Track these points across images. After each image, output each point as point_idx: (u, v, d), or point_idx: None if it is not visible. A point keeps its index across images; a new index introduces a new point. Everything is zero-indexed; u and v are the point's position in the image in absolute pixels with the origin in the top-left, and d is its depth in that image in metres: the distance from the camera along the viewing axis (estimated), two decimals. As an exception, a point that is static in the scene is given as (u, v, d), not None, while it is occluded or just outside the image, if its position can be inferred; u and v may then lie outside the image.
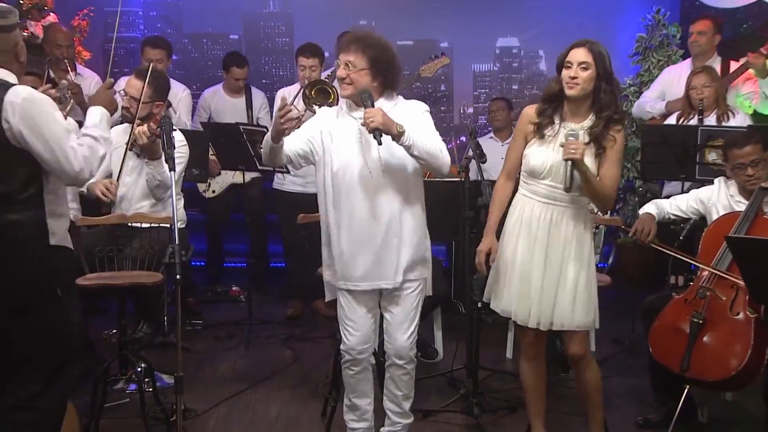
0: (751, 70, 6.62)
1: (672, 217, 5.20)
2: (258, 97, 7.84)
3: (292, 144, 4.34)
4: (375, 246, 4.29)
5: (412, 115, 4.26)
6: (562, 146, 4.11)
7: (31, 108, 3.59)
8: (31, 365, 3.78)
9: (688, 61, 7.14)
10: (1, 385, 3.83)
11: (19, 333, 3.73)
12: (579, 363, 4.41)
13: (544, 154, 4.23)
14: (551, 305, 4.26)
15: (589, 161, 4.14)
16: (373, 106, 4.10)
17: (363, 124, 4.06)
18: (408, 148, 4.12)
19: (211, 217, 7.67)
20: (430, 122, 4.33)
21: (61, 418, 3.93)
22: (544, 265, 4.25)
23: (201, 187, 7.37)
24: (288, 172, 6.39)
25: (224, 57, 7.85)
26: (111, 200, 5.52)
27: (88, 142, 3.82)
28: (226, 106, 7.70)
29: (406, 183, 4.31)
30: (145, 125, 5.39)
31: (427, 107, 4.40)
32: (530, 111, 4.35)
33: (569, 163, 4.06)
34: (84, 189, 5.58)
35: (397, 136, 4.06)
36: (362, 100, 4.14)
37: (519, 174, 4.43)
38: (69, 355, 3.95)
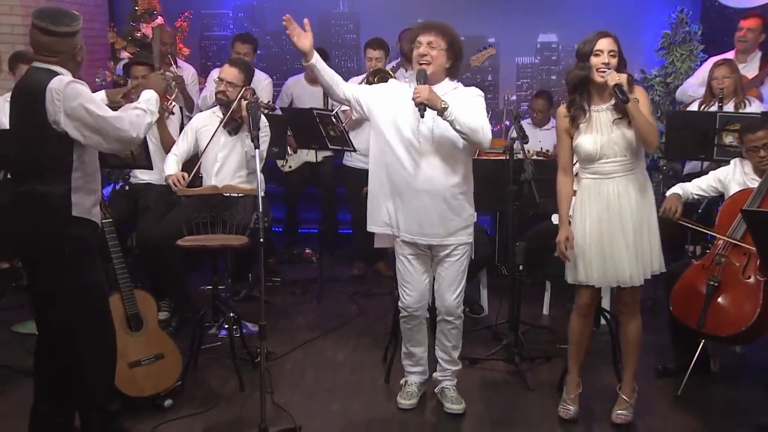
0: None
1: (695, 196, 5.15)
2: None
3: (352, 89, 4.39)
4: (424, 207, 4.29)
5: (468, 97, 4.25)
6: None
7: (73, 92, 3.65)
8: (52, 320, 3.85)
9: (731, 53, 6.93)
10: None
11: (45, 296, 3.82)
12: (628, 314, 4.38)
13: (592, 140, 4.19)
14: (641, 259, 4.22)
15: (628, 132, 4.12)
16: (423, 83, 4.09)
17: (412, 98, 4.06)
18: (451, 123, 4.10)
19: (289, 189, 7.71)
20: (481, 104, 4.30)
21: (103, 383, 4.01)
22: (622, 229, 4.20)
23: (279, 163, 7.42)
24: (355, 150, 6.42)
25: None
26: (178, 191, 5.52)
27: (136, 112, 3.94)
28: (305, 93, 7.67)
29: (454, 156, 4.27)
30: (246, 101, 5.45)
31: (481, 93, 4.37)
32: (563, 110, 4.31)
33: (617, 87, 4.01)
34: (164, 175, 5.68)
35: (440, 111, 4.05)
36: (417, 78, 4.13)
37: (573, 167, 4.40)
38: (89, 317, 3.92)
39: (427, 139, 4.22)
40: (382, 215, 4.45)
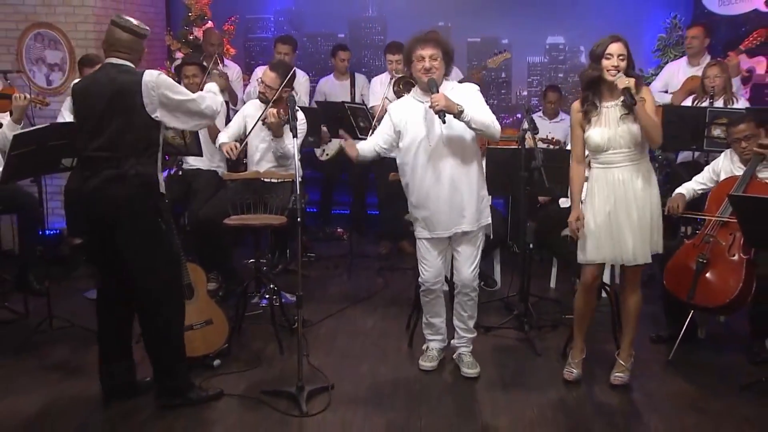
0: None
1: (698, 191, 5.15)
2: (360, 79, 7.81)
3: (377, 142, 4.44)
4: (442, 203, 4.31)
5: (468, 94, 4.26)
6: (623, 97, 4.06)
7: (164, 82, 3.87)
8: (145, 284, 3.98)
9: (685, 58, 7.05)
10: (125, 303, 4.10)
11: (136, 258, 3.92)
12: (630, 289, 4.40)
13: (600, 132, 4.19)
14: (642, 240, 4.22)
15: (633, 127, 4.13)
16: (438, 92, 4.10)
17: (430, 107, 4.08)
18: (467, 123, 4.14)
19: (326, 175, 7.73)
20: (481, 99, 4.33)
21: (179, 328, 4.15)
22: (627, 213, 4.20)
23: (317, 152, 7.45)
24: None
25: (332, 47, 7.91)
26: (232, 158, 5.67)
27: (208, 93, 4.21)
28: (335, 88, 7.71)
29: (464, 151, 4.30)
30: (275, 109, 5.45)
31: (478, 87, 4.39)
32: (577, 105, 4.30)
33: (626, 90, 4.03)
34: (217, 145, 5.77)
35: (458, 114, 4.08)
36: (429, 87, 4.14)
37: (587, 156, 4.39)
38: (174, 278, 4.15)
39: (440, 141, 4.25)
40: (416, 221, 4.50)
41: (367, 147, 4.48)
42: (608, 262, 4.39)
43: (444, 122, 4.06)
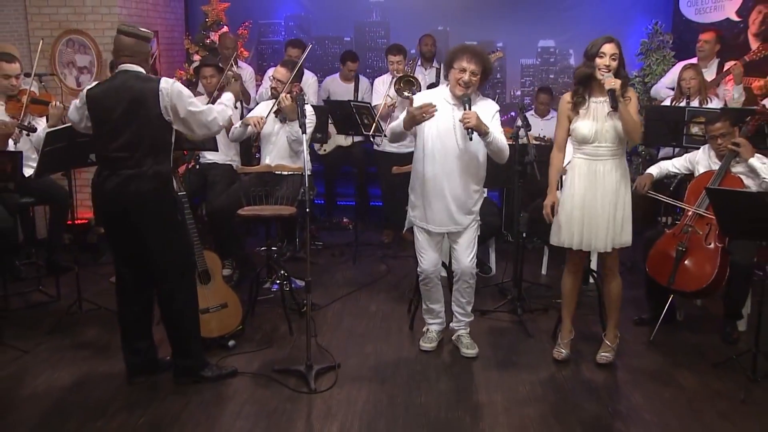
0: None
1: (671, 172, 5.25)
2: (364, 82, 7.86)
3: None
4: (448, 201, 4.33)
5: (489, 113, 4.26)
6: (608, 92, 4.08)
7: (177, 91, 3.90)
8: (164, 271, 4.04)
9: (695, 59, 6.95)
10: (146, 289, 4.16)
11: (156, 247, 3.98)
12: (609, 275, 4.43)
13: (588, 125, 4.21)
14: (613, 230, 4.26)
15: (618, 124, 4.14)
16: (470, 108, 4.11)
17: (461, 121, 4.08)
18: (488, 144, 4.16)
19: (326, 168, 7.77)
20: (499, 122, 4.33)
21: (193, 311, 4.20)
22: (601, 203, 4.24)
23: (316, 146, 7.48)
24: (385, 136, 6.46)
25: (342, 54, 7.92)
26: (257, 130, 5.73)
27: (220, 107, 4.21)
28: (340, 89, 7.74)
29: (478, 158, 4.32)
30: (289, 93, 5.52)
31: (498, 107, 4.37)
32: (567, 97, 4.31)
33: (612, 91, 4.06)
34: (238, 124, 5.80)
35: (484, 135, 4.11)
36: (463, 102, 4.16)
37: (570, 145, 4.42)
38: (189, 265, 4.21)
39: (457, 146, 4.26)
40: (415, 209, 4.51)
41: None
42: (579, 248, 4.36)
43: (471, 139, 4.09)
